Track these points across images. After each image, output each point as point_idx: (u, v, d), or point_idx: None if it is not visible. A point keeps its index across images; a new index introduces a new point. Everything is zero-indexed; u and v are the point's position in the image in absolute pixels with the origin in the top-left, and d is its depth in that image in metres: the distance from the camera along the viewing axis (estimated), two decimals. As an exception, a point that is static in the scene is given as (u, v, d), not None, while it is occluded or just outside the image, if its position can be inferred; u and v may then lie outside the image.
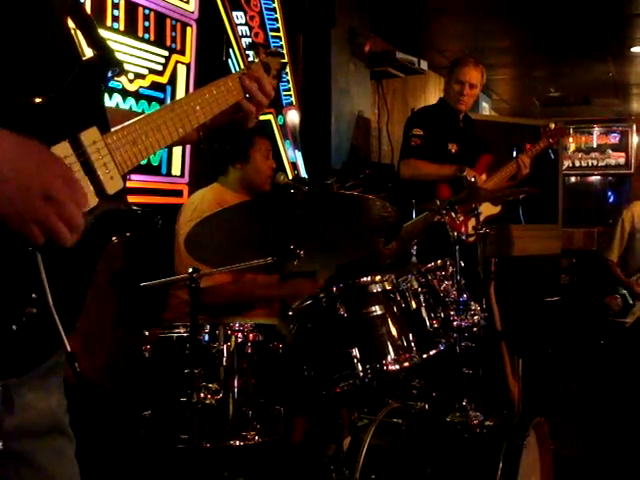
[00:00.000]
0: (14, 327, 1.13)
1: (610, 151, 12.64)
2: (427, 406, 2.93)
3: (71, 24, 1.38)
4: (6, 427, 1.23)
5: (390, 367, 2.41)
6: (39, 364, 1.20)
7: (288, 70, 4.87)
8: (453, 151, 4.48)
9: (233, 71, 4.37)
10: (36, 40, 1.26)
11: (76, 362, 1.18)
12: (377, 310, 2.47)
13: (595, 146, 12.80)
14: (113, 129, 1.33)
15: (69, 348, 1.18)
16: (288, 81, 4.93)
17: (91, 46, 1.38)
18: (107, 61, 1.35)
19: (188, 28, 3.89)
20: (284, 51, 4.80)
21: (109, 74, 1.34)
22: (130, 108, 3.44)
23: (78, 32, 1.41)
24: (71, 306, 1.23)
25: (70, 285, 1.23)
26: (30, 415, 1.29)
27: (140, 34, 3.54)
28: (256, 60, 1.83)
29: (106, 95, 3.27)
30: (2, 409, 1.21)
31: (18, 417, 1.26)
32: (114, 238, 1.31)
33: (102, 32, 3.31)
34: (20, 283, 1.14)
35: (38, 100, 1.20)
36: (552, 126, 4.78)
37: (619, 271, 5.15)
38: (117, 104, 3.36)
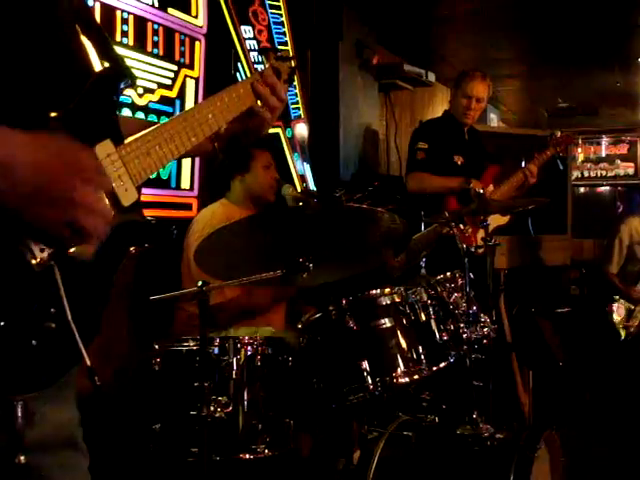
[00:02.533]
0: (34, 342, 1.13)
1: (619, 161, 12.62)
2: (437, 419, 2.92)
3: (82, 35, 1.38)
4: (27, 441, 1.22)
5: (400, 380, 2.41)
6: (59, 378, 1.20)
7: (296, 83, 4.89)
8: (459, 163, 4.48)
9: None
10: (48, 53, 1.26)
11: (96, 376, 1.18)
12: (386, 323, 2.47)
13: (604, 156, 12.78)
14: (126, 141, 1.32)
15: (89, 362, 1.18)
16: (296, 94, 4.95)
17: (102, 57, 1.37)
18: (119, 72, 1.34)
19: (197, 43, 3.91)
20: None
21: (122, 85, 1.33)
22: (139, 122, 3.46)
23: (89, 43, 1.39)
24: (89, 319, 1.23)
25: (88, 298, 1.23)
26: (45, 429, 1.29)
27: (149, 49, 3.57)
28: (266, 65, 1.81)
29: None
30: (23, 423, 1.20)
31: (36, 430, 1.25)
32: (131, 249, 1.31)
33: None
34: (38, 298, 1.14)
35: (52, 114, 1.19)
36: (558, 134, 4.76)
37: (618, 281, 5.33)
38: (126, 118, 3.38)
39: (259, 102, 1.66)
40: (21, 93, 1.19)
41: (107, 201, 1.18)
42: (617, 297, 5.34)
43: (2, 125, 1.06)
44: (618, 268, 5.40)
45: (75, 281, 1.18)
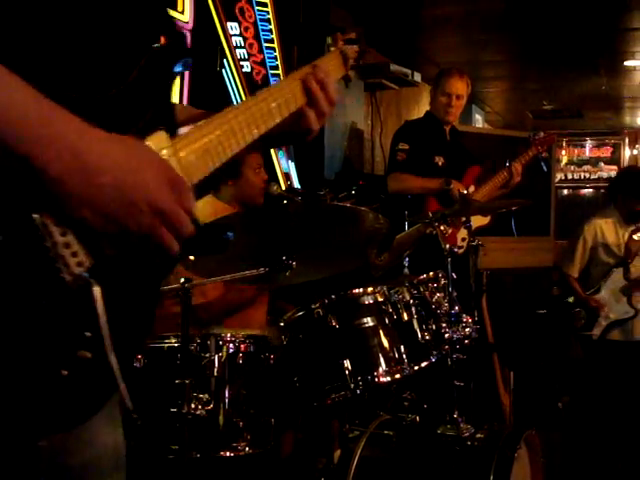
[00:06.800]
0: (64, 372, 0.93)
1: (602, 164, 12.72)
2: (418, 418, 2.93)
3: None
4: (79, 464, 1.17)
5: (381, 379, 2.41)
6: (91, 415, 1.00)
7: (282, 81, 4.87)
8: (440, 164, 4.50)
9: (227, 81, 4.37)
10: (100, 21, 1.06)
11: (135, 415, 1.06)
12: (369, 322, 2.47)
13: (587, 159, 12.87)
14: (182, 132, 1.13)
15: (130, 405, 0.99)
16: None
17: (159, 30, 1.14)
18: (178, 49, 1.13)
19: (183, 38, 3.89)
20: (278, 62, 4.82)
21: (180, 65, 1.12)
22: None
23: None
24: (129, 347, 1.03)
25: (128, 321, 1.03)
26: (96, 451, 1.20)
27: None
28: (332, 49, 1.65)
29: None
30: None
31: (82, 454, 1.17)
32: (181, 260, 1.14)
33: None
34: (71, 319, 0.94)
35: (98, 97, 1.00)
36: (541, 134, 4.78)
37: (578, 286, 5.04)
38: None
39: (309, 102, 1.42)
40: (59, 71, 0.99)
41: (189, 220, 1.02)
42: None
43: (75, 117, 0.90)
44: (579, 271, 5.06)
45: (113, 301, 0.98)
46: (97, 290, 0.94)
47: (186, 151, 1.08)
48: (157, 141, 1.04)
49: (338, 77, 1.61)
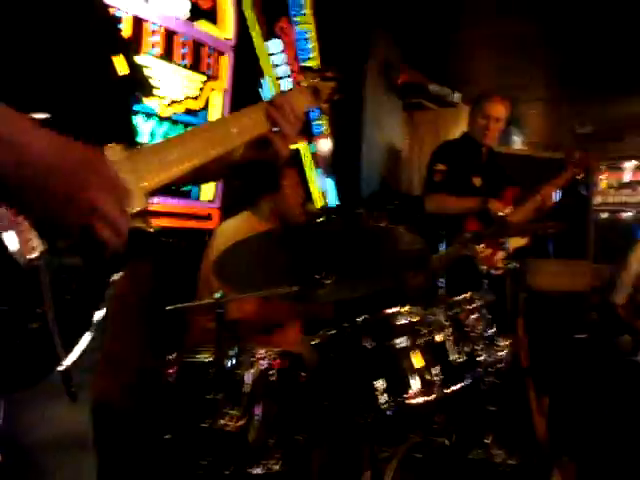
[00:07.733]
0: (17, 341, 1.09)
1: (642, 188, 12.54)
2: (447, 442, 2.90)
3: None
4: (37, 440, 1.24)
5: (413, 400, 2.39)
6: (41, 379, 1.14)
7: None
8: (477, 185, 4.47)
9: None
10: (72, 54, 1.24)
11: (72, 381, 1.15)
12: (402, 342, 2.45)
13: (628, 182, 12.72)
14: (141, 147, 1.28)
15: (65, 366, 1.13)
16: (320, 110, 4.96)
17: (126, 68, 1.34)
18: (136, 81, 1.33)
19: (224, 55, 3.94)
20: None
21: (136, 94, 1.33)
22: (165, 132, 3.48)
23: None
24: (76, 323, 1.17)
25: (77, 301, 1.17)
26: (57, 428, 1.29)
27: (177, 60, 3.59)
28: (303, 84, 1.77)
29: (142, 119, 3.33)
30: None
31: (43, 430, 1.26)
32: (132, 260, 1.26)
33: (140, 57, 3.36)
34: (25, 297, 1.09)
35: (59, 112, 1.15)
36: (577, 155, 4.72)
37: (623, 313, 4.90)
38: (152, 129, 3.40)
39: (274, 129, 1.58)
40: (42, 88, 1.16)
41: (126, 220, 1.13)
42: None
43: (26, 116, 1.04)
44: (625, 299, 4.85)
45: (64, 282, 1.14)
46: (44, 273, 1.09)
47: (142, 163, 1.24)
48: (112, 152, 1.20)
49: (305, 108, 1.74)
